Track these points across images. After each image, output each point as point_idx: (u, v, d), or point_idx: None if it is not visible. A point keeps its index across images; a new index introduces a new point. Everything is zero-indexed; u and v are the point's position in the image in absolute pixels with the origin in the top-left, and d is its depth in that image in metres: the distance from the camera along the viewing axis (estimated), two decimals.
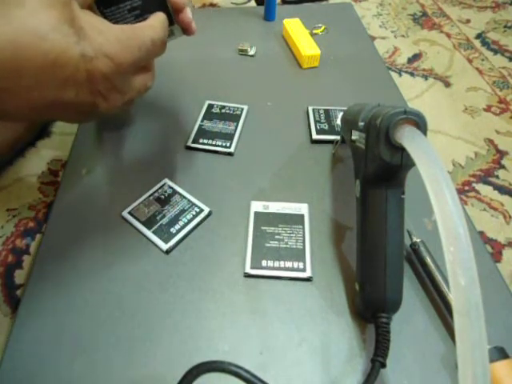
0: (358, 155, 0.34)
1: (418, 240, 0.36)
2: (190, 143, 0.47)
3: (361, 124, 0.32)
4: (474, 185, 0.60)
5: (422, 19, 0.98)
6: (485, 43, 0.90)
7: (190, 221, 0.39)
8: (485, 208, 0.57)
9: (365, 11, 0.99)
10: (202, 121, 0.50)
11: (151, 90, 0.34)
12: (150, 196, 0.42)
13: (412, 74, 0.81)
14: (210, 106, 0.52)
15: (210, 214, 0.41)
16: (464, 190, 0.59)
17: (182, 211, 0.40)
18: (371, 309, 0.31)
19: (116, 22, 0.32)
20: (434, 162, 0.22)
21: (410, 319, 0.33)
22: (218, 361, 0.22)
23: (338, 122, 0.49)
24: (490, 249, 0.52)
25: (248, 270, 0.36)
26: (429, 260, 0.35)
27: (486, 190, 0.59)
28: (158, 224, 0.39)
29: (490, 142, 0.67)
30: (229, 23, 0.68)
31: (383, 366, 0.28)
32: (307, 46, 0.59)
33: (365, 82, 0.57)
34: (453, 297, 0.19)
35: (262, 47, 0.63)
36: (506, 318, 0.34)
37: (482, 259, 0.37)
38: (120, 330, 0.33)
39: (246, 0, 0.90)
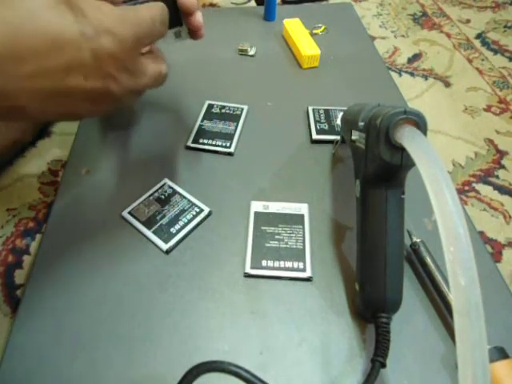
0: (357, 155, 0.34)
1: (418, 240, 0.36)
2: (190, 143, 0.47)
3: (361, 124, 0.32)
4: (474, 185, 0.60)
5: (422, 19, 0.98)
6: (485, 43, 0.90)
7: (190, 221, 0.39)
8: (485, 208, 0.57)
9: (365, 11, 0.99)
10: (202, 121, 0.50)
11: (151, 90, 0.34)
12: (150, 196, 0.42)
13: (412, 74, 0.81)
14: (210, 106, 0.52)
15: (209, 214, 0.41)
16: (464, 190, 0.59)
17: (182, 211, 0.40)
18: (371, 309, 0.31)
19: None
20: (434, 162, 0.22)
21: (410, 319, 0.33)
22: (218, 361, 0.22)
23: (338, 122, 0.49)
24: (490, 249, 0.52)
25: (248, 269, 0.36)
26: (429, 260, 0.35)
27: (486, 190, 0.59)
28: (158, 224, 0.39)
29: (490, 142, 0.67)
30: (229, 23, 0.68)
31: (383, 366, 0.28)
32: (307, 46, 0.58)
33: (365, 82, 0.57)
34: (453, 297, 0.19)
35: (262, 47, 0.63)
36: (506, 318, 0.34)
37: (482, 259, 0.37)
38: (120, 329, 0.33)
39: (245, 0, 0.90)
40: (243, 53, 0.61)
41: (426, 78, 0.81)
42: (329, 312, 0.34)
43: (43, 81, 0.24)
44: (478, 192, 0.59)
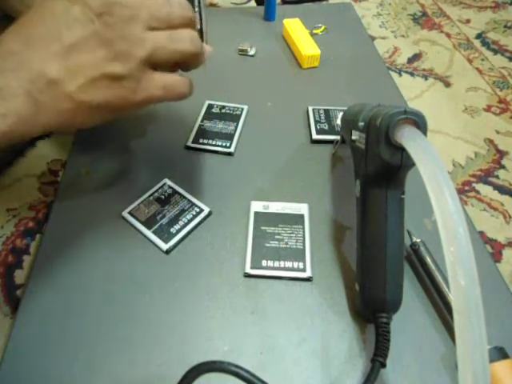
0: (357, 155, 0.34)
1: (418, 240, 0.36)
2: (189, 143, 0.47)
3: (361, 124, 0.32)
4: (474, 185, 0.60)
5: (422, 19, 0.98)
6: (485, 43, 0.90)
7: (190, 221, 0.39)
8: (485, 208, 0.57)
9: (365, 11, 0.99)
10: (201, 121, 0.50)
11: None
12: (150, 196, 0.42)
13: (412, 74, 0.81)
14: (210, 106, 0.52)
15: (210, 213, 0.41)
16: (464, 190, 0.59)
17: (182, 211, 0.40)
18: (371, 309, 0.31)
19: None
20: (434, 162, 0.22)
21: (410, 319, 0.33)
22: (218, 361, 0.22)
23: (338, 121, 0.49)
24: (490, 249, 0.52)
25: (248, 270, 0.36)
26: (429, 260, 0.35)
27: (486, 190, 0.59)
28: (158, 224, 0.39)
29: (490, 142, 0.67)
30: (229, 23, 0.68)
31: (383, 365, 0.28)
32: (307, 46, 0.58)
33: (365, 81, 0.57)
34: (453, 297, 0.19)
35: (262, 47, 0.63)
36: (505, 318, 0.34)
37: (482, 259, 0.37)
38: (120, 329, 0.33)
39: (245, 0, 0.90)
40: (243, 53, 0.61)
41: (426, 78, 0.81)
42: (329, 312, 0.34)
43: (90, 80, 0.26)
44: (478, 192, 0.59)
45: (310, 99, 0.54)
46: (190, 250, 0.38)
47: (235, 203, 0.42)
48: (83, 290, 0.35)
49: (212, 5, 0.97)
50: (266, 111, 0.52)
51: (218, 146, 0.47)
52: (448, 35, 0.92)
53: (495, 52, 0.87)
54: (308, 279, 0.36)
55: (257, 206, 0.41)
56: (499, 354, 0.29)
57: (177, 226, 0.39)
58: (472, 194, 0.58)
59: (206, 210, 0.40)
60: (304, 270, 0.36)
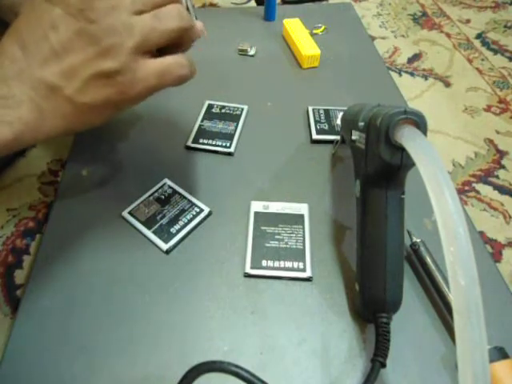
0: (357, 155, 0.34)
1: (418, 240, 0.36)
2: (189, 143, 0.47)
3: (361, 124, 0.32)
4: (474, 185, 0.60)
5: (422, 19, 0.98)
6: (485, 43, 0.90)
7: (190, 221, 0.39)
8: (485, 208, 0.57)
9: (365, 11, 0.99)
10: (201, 121, 0.50)
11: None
12: (150, 196, 0.42)
13: (412, 74, 0.81)
14: (210, 106, 0.52)
15: (209, 213, 0.41)
16: (464, 190, 0.59)
17: (182, 211, 0.40)
18: (371, 309, 0.31)
19: None
20: (434, 162, 0.22)
21: (410, 319, 0.33)
22: (218, 361, 0.22)
23: (338, 121, 0.49)
24: (490, 249, 0.52)
25: (248, 270, 0.36)
26: (429, 260, 0.35)
27: (486, 190, 0.59)
28: (158, 224, 0.39)
29: (490, 142, 0.67)
30: (229, 23, 0.68)
31: (383, 366, 0.28)
32: (307, 46, 0.58)
33: (365, 82, 0.57)
34: (453, 297, 0.19)
35: (262, 47, 0.63)
36: (506, 318, 0.34)
37: (482, 259, 0.37)
38: (120, 329, 0.33)
39: (245, 0, 0.90)
40: (243, 53, 0.61)
41: (426, 78, 0.80)
42: (329, 312, 0.34)
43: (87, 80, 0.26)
44: (478, 192, 0.59)
45: (310, 99, 0.53)
46: (190, 250, 0.38)
47: (235, 203, 0.42)
48: (83, 290, 0.35)
49: (212, 5, 0.97)
50: (266, 111, 0.52)
51: (218, 146, 0.47)
52: (448, 35, 0.92)
53: (495, 52, 0.87)
54: (308, 279, 0.36)
55: (257, 206, 0.41)
56: (499, 354, 0.29)
57: (177, 226, 0.39)
58: (472, 194, 0.58)
59: (206, 210, 0.40)
60: (304, 270, 0.36)
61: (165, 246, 0.38)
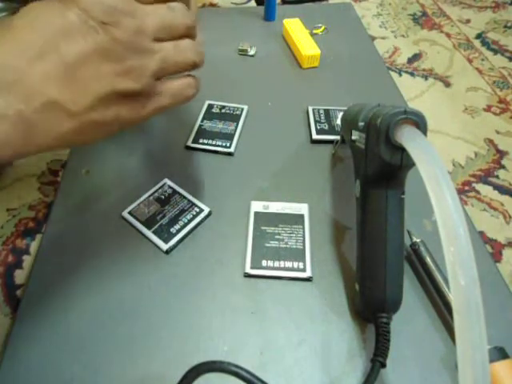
0: (357, 155, 0.34)
1: (418, 240, 0.36)
2: (189, 143, 0.47)
3: (361, 124, 0.32)
4: (474, 185, 0.60)
5: (422, 19, 0.98)
6: (485, 43, 0.90)
7: (190, 221, 0.39)
8: (485, 208, 0.57)
9: (365, 11, 0.99)
10: (202, 121, 0.50)
11: None
12: (150, 196, 0.42)
13: (412, 74, 0.81)
14: (210, 106, 0.52)
15: (209, 214, 0.41)
16: (464, 190, 0.59)
17: (182, 211, 0.40)
18: (371, 309, 0.31)
19: None
20: (434, 162, 0.22)
21: (410, 319, 0.33)
22: (218, 361, 0.22)
23: (338, 121, 0.49)
24: (490, 249, 0.52)
25: (248, 270, 0.36)
26: (429, 260, 0.35)
27: (486, 190, 0.59)
28: (158, 224, 0.39)
29: (490, 142, 0.67)
30: (229, 23, 0.68)
31: (383, 366, 0.28)
32: (307, 46, 0.58)
33: (365, 82, 0.57)
34: (453, 297, 0.19)
35: (262, 47, 0.63)
36: (506, 318, 0.34)
37: (482, 259, 0.37)
38: (120, 329, 0.33)
39: (245, 0, 0.90)
40: (243, 53, 0.61)
41: (426, 78, 0.81)
42: (329, 312, 0.34)
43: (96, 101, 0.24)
44: (478, 192, 0.59)
45: (310, 99, 0.54)
46: (190, 250, 0.38)
47: (235, 203, 0.42)
48: (83, 290, 0.35)
49: (212, 5, 0.97)
50: (265, 111, 0.52)
51: (218, 146, 0.47)
52: (448, 35, 0.92)
53: (495, 52, 0.87)
54: (308, 279, 0.36)
55: (257, 206, 0.41)
56: (499, 353, 0.29)
57: (177, 226, 0.39)
58: (472, 194, 0.58)
59: (206, 210, 0.40)
60: (304, 270, 0.36)
61: (165, 246, 0.38)
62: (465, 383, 0.18)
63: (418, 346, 0.32)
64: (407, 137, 0.25)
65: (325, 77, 0.58)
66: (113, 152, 0.47)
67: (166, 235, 0.38)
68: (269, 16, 0.68)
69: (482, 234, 0.53)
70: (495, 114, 0.72)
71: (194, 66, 0.29)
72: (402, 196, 0.30)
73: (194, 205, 0.41)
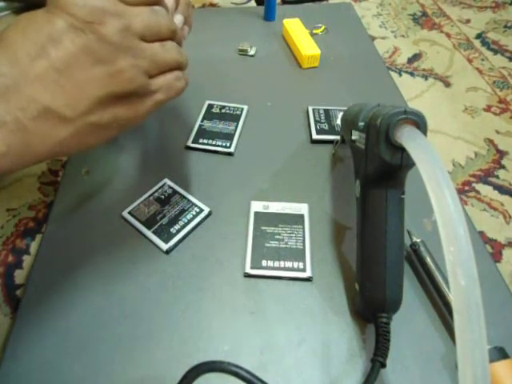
0: (357, 155, 0.34)
1: (418, 240, 0.36)
2: (189, 143, 0.47)
3: (361, 124, 0.32)
4: (474, 185, 0.60)
5: (422, 19, 0.98)
6: (485, 43, 0.90)
7: (190, 221, 0.39)
8: (485, 208, 0.57)
9: (365, 11, 0.99)
10: (202, 121, 0.50)
11: None
12: (150, 196, 0.42)
13: (412, 74, 0.81)
14: (210, 106, 0.52)
15: (209, 213, 0.41)
16: (464, 190, 0.59)
17: (182, 211, 0.40)
18: (371, 309, 0.31)
19: None
20: (434, 162, 0.22)
21: (410, 319, 0.33)
22: (218, 361, 0.22)
23: (338, 121, 0.49)
24: (490, 249, 0.52)
25: (248, 269, 0.36)
26: (429, 260, 0.35)
27: (486, 190, 0.59)
28: (158, 224, 0.39)
29: (490, 142, 0.67)
30: (229, 23, 0.68)
31: (383, 366, 0.28)
32: (307, 46, 0.58)
33: (365, 82, 0.57)
34: (453, 297, 0.19)
35: (262, 47, 0.63)
36: (506, 318, 0.34)
37: (482, 259, 0.37)
38: (120, 329, 0.33)
39: (245, 0, 0.90)
40: (243, 53, 0.61)
41: (426, 78, 0.81)
42: (329, 312, 0.34)
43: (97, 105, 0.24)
44: (478, 192, 0.59)
45: (310, 99, 0.54)
46: (190, 250, 0.38)
47: (235, 203, 0.42)
48: (83, 290, 0.35)
49: (212, 5, 0.97)
50: (265, 111, 0.52)
51: (218, 145, 0.47)
52: (448, 35, 0.92)
53: (495, 52, 0.87)
54: (308, 279, 0.36)
55: (257, 206, 0.41)
56: (499, 353, 0.29)
57: (177, 226, 0.39)
58: (472, 194, 0.58)
59: (206, 210, 0.40)
60: (304, 270, 0.36)
61: (165, 246, 0.38)
62: (465, 383, 0.18)
63: (417, 346, 0.32)
64: (407, 137, 0.25)
65: (325, 77, 0.58)
66: (113, 152, 0.47)
67: (166, 235, 0.38)
68: (269, 16, 0.68)
69: (482, 234, 0.53)
70: (495, 113, 0.72)
71: (181, 66, 0.30)
72: (402, 196, 0.30)
73: (193, 205, 0.41)
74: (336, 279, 0.36)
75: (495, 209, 0.57)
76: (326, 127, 0.49)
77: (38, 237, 0.47)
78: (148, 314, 0.34)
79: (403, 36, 0.92)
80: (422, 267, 0.36)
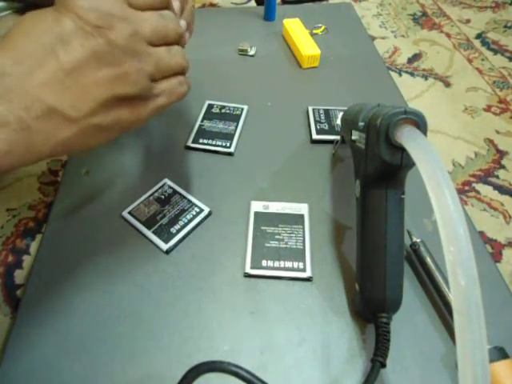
0: (358, 155, 0.34)
1: (418, 240, 0.36)
2: (189, 143, 0.47)
3: (361, 124, 0.32)
4: (474, 185, 0.60)
5: (422, 19, 0.98)
6: (485, 43, 0.90)
7: (190, 221, 0.39)
8: (485, 208, 0.57)
9: (365, 11, 0.99)
10: (201, 121, 0.50)
11: None
12: (150, 196, 0.42)
13: (412, 74, 0.81)
14: (210, 106, 0.52)
15: (209, 213, 0.41)
16: (464, 190, 0.59)
17: (182, 211, 0.40)
18: (371, 309, 0.31)
19: None
20: (434, 162, 0.22)
21: (410, 319, 0.33)
22: (218, 361, 0.22)
23: (338, 121, 0.49)
24: (490, 249, 0.52)
25: (248, 269, 0.36)
26: (429, 260, 0.35)
27: (486, 190, 0.59)
28: (158, 224, 0.39)
29: (490, 142, 0.67)
30: (229, 23, 0.68)
31: (383, 366, 0.28)
32: (307, 46, 0.59)
33: (365, 82, 0.57)
34: (453, 297, 0.19)
35: (262, 47, 0.63)
36: (506, 318, 0.34)
37: (482, 259, 0.37)
38: (120, 329, 0.33)
39: (245, 0, 0.90)
40: (243, 53, 0.61)
41: (426, 78, 0.81)
42: (329, 312, 0.34)
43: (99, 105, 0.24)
44: (478, 192, 0.59)
45: (310, 99, 0.54)
46: (190, 250, 0.38)
47: (235, 203, 0.42)
48: (83, 290, 0.35)
49: (212, 5, 0.97)
50: (265, 111, 0.52)
51: (218, 145, 0.47)
52: (448, 35, 0.92)
53: (495, 52, 0.87)
54: (308, 279, 0.36)
55: (257, 206, 0.41)
56: (499, 353, 0.29)
57: (177, 226, 0.39)
58: (472, 194, 0.58)
59: (206, 210, 0.40)
60: (304, 270, 0.36)
61: (165, 246, 0.38)
62: (465, 383, 0.18)
63: (417, 346, 0.32)
64: (407, 137, 0.25)
65: (325, 77, 0.58)
66: (113, 152, 0.47)
67: (166, 235, 0.38)
68: (269, 16, 0.68)
69: (482, 234, 0.53)
70: (495, 113, 0.72)
71: (184, 70, 0.30)
72: (402, 196, 0.30)
73: (193, 205, 0.41)
74: (336, 279, 0.36)
75: (495, 209, 0.57)
76: (326, 127, 0.49)
77: (38, 237, 0.47)
78: (148, 314, 0.34)
79: (403, 36, 0.92)
80: (422, 267, 0.36)
